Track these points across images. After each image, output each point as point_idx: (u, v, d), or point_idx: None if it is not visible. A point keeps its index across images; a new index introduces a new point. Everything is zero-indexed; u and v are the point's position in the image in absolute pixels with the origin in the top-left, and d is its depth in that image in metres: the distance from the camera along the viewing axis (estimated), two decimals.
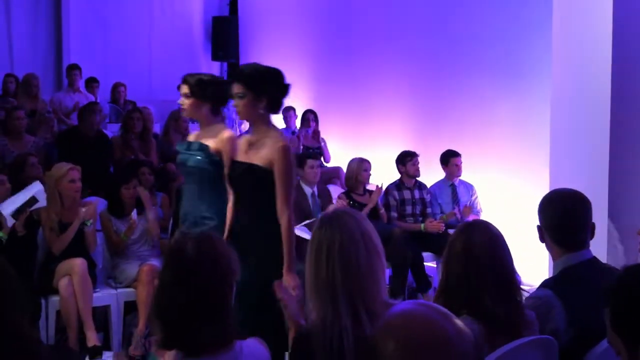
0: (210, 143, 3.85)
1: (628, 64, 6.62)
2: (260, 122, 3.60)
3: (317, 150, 7.96)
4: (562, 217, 2.61)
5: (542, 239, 2.67)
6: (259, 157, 3.50)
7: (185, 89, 4.01)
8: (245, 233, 3.53)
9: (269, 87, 3.58)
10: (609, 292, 1.43)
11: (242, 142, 3.67)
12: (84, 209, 5.04)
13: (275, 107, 3.63)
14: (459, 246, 2.40)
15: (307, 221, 5.52)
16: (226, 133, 3.86)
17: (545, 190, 4.70)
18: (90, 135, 6.69)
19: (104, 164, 6.72)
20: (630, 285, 1.39)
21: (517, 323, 2.33)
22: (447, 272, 2.43)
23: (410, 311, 1.30)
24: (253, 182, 3.53)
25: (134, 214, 5.22)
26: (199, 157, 3.84)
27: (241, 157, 3.59)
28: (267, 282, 2.78)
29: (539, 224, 2.67)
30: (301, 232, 5.42)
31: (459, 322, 1.31)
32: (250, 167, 3.52)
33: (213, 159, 3.81)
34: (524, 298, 2.48)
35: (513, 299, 2.36)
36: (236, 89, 3.55)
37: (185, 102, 4.01)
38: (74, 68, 8.96)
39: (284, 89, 3.65)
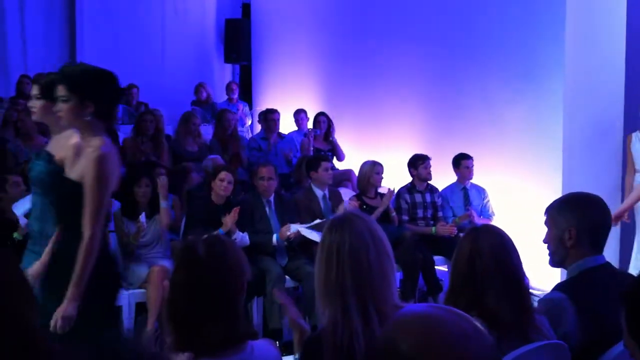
0: (58, 151, 3.27)
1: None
2: (87, 131, 3.11)
3: (329, 153, 7.96)
4: (602, 219, 2.61)
5: (569, 239, 2.57)
6: (75, 170, 3.10)
7: (35, 89, 3.52)
8: (60, 259, 3.08)
9: (96, 92, 3.15)
10: (626, 295, 1.42)
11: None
12: None
13: (105, 114, 3.16)
14: (467, 247, 2.41)
15: (313, 222, 5.52)
16: (72, 140, 3.21)
17: (557, 194, 4.68)
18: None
19: None
20: None
21: (525, 326, 2.32)
22: (454, 272, 2.44)
23: (425, 312, 1.28)
24: (66, 199, 3.12)
25: (142, 217, 5.23)
26: (40, 167, 3.29)
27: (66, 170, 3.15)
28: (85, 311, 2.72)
29: (565, 225, 2.59)
30: (309, 233, 5.42)
31: (476, 322, 1.29)
32: (63, 181, 3.11)
33: (54, 169, 3.21)
34: (534, 302, 2.46)
35: (520, 302, 2.35)
36: (59, 91, 3.11)
37: (36, 104, 3.47)
38: None
39: (114, 94, 3.28)
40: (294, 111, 8.66)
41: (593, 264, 2.57)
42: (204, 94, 9.96)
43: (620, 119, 6.16)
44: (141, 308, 5.17)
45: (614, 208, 5.63)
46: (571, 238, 2.57)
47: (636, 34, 6.31)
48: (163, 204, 5.41)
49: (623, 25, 6.08)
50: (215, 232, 5.19)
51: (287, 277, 5.59)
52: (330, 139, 8.14)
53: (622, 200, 5.79)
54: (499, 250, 2.38)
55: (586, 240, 2.58)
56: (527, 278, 2.44)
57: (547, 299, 2.51)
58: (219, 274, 2.06)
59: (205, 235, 2.18)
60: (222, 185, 5.54)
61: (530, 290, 2.45)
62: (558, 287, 2.57)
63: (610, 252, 4.98)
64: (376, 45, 8.23)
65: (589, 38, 6.04)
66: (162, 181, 5.45)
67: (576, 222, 2.58)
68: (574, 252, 2.59)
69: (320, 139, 8.14)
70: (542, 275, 5.03)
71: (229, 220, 5.34)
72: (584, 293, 2.46)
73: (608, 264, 2.62)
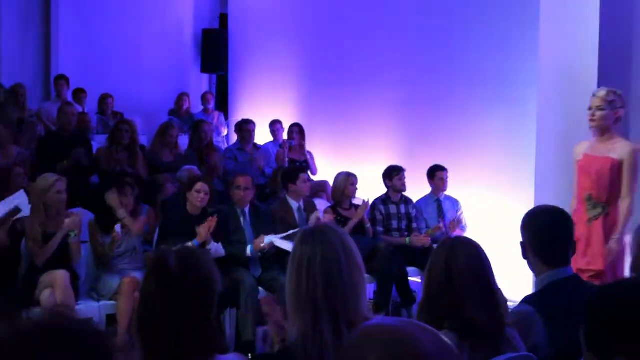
0: None
1: (614, 80, 6.67)
2: None
3: (304, 164, 7.96)
4: (546, 233, 2.63)
5: (525, 255, 2.69)
6: None
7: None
8: None
9: None
10: (584, 309, 1.43)
11: None
12: (67, 220, 5.01)
13: None
14: (443, 255, 2.40)
15: (287, 233, 5.51)
16: None
17: (530, 206, 4.72)
18: (67, 136, 6.69)
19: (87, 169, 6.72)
20: (604, 305, 1.39)
21: (497, 337, 2.33)
22: (429, 280, 2.43)
23: (395, 325, 1.28)
24: None
25: (117, 227, 5.19)
26: None
27: None
28: None
29: (522, 240, 2.69)
30: (282, 244, 5.41)
31: (442, 337, 1.29)
32: None
33: None
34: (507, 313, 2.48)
35: (494, 312, 2.36)
36: None
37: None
38: (60, 78, 8.95)
39: None
40: (269, 122, 8.66)
41: (559, 276, 2.60)
42: (186, 104, 9.93)
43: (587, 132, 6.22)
44: (112, 320, 5.12)
45: None
46: (531, 252, 2.63)
47: (609, 46, 6.40)
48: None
49: (596, 37, 6.16)
50: (190, 243, 5.16)
51: (260, 288, 5.57)
52: (303, 147, 8.14)
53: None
54: (475, 260, 2.38)
55: (544, 254, 2.62)
56: (499, 290, 2.45)
57: (515, 311, 2.53)
58: (189, 286, 2.04)
59: (177, 246, 2.16)
60: (199, 196, 5.51)
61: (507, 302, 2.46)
62: (526, 300, 2.60)
63: None
64: (352, 56, 8.26)
65: (562, 50, 6.11)
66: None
67: (531, 237, 2.66)
68: (539, 265, 2.64)
69: (296, 149, 8.14)
70: (515, 287, 5.05)
71: (204, 229, 5.30)
72: (551, 305, 2.48)
73: (576, 276, 2.65)
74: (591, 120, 4.60)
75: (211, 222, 5.32)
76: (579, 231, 4.45)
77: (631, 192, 4.61)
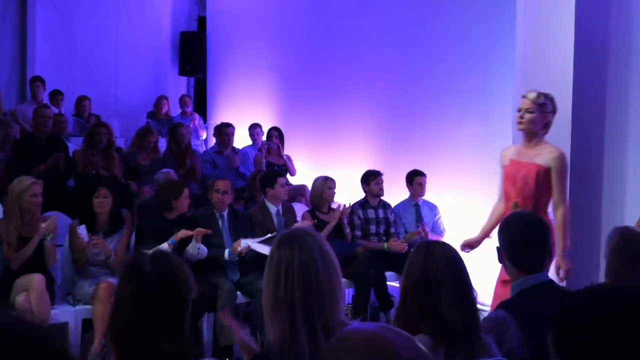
0: None
1: (589, 86, 6.75)
2: None
3: (282, 167, 7.96)
4: (520, 239, 2.65)
5: (500, 260, 2.70)
6: None
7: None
8: None
9: None
10: (555, 315, 1.43)
11: None
12: (43, 224, 4.96)
13: None
14: (420, 257, 2.40)
15: (264, 237, 5.50)
16: None
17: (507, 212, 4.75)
18: (42, 138, 6.65)
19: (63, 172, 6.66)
20: (577, 310, 1.39)
21: (472, 340, 2.33)
22: (406, 284, 2.42)
23: (372, 331, 1.29)
24: None
25: (82, 232, 5.10)
26: None
27: None
28: None
29: (498, 245, 2.71)
30: (260, 248, 5.40)
31: (417, 343, 1.30)
32: None
33: None
34: (481, 317, 2.49)
35: (471, 316, 2.36)
36: None
37: None
38: (36, 80, 8.86)
39: None
40: (248, 125, 8.65)
41: (533, 282, 2.61)
42: (165, 107, 9.88)
43: (567, 138, 6.28)
44: (88, 325, 5.07)
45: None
46: (506, 258, 2.65)
47: (584, 56, 6.47)
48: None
49: (571, 46, 6.22)
50: (165, 243, 5.14)
51: (238, 292, 5.55)
52: (280, 152, 8.14)
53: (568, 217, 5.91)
54: (452, 263, 2.38)
55: (518, 260, 2.64)
56: (475, 292, 2.46)
57: (490, 317, 2.55)
58: (163, 290, 2.03)
59: (151, 250, 2.15)
60: (187, 202, 5.50)
61: (478, 306, 2.47)
62: (501, 306, 2.61)
63: None
64: (330, 61, 8.28)
65: (539, 59, 6.16)
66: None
67: (505, 242, 2.68)
68: (513, 271, 2.66)
69: (275, 153, 8.14)
70: (492, 292, 5.08)
71: (183, 233, 5.27)
72: (525, 311, 2.49)
73: (550, 281, 2.67)
74: (519, 123, 4.37)
75: (196, 233, 5.32)
76: None
77: (563, 200, 4.34)
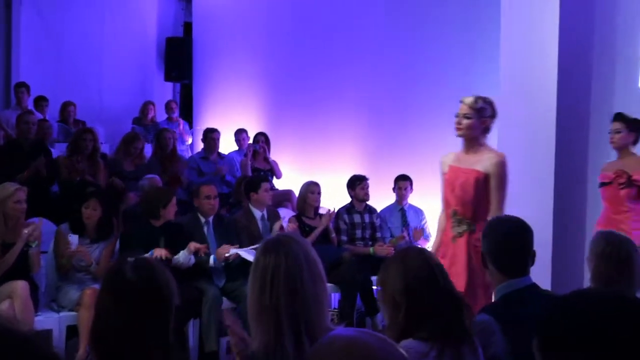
0: None
1: (572, 91, 6.80)
2: None
3: (269, 172, 7.95)
4: (503, 243, 2.66)
5: (485, 265, 2.71)
6: None
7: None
8: None
9: None
10: (541, 319, 1.43)
11: None
12: (26, 230, 4.93)
13: None
14: (397, 270, 2.36)
15: (252, 246, 5.48)
16: None
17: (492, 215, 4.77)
18: (26, 144, 6.62)
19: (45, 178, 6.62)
20: (563, 315, 1.39)
21: (460, 343, 2.31)
22: (387, 296, 2.36)
23: (353, 336, 1.29)
24: None
25: (73, 240, 5.08)
26: None
27: None
28: None
29: (482, 249, 2.71)
30: (248, 256, 5.38)
31: (399, 350, 1.30)
32: None
33: None
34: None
35: (457, 318, 2.33)
36: None
37: None
38: (21, 86, 8.82)
39: None
40: (234, 130, 8.64)
41: (516, 286, 2.62)
42: (152, 113, 9.85)
43: (552, 144, 6.32)
44: (73, 332, 5.04)
45: (546, 229, 5.78)
46: (490, 261, 2.66)
47: (568, 60, 6.52)
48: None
49: (555, 51, 6.26)
50: (148, 254, 5.10)
51: (224, 298, 5.53)
52: (266, 156, 8.14)
53: (553, 223, 5.95)
54: (431, 268, 2.35)
55: (499, 264, 2.64)
56: (461, 295, 2.44)
57: (474, 321, 2.54)
58: (146, 298, 2.02)
59: (134, 258, 2.14)
60: (174, 209, 5.48)
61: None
62: (485, 310, 2.62)
63: None
64: (317, 66, 8.29)
65: (523, 64, 6.20)
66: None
67: (487, 247, 2.69)
68: (496, 275, 2.66)
69: (261, 158, 8.13)
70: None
71: (163, 250, 5.23)
72: (508, 315, 2.50)
73: (534, 285, 2.68)
74: (457, 129, 4.22)
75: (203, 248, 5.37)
76: (443, 249, 4.24)
77: (501, 209, 4.11)
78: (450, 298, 2.34)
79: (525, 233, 2.72)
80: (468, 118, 4.18)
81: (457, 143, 6.63)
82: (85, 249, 5.12)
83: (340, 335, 1.31)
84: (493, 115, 4.26)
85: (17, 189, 4.99)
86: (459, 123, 4.22)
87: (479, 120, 4.18)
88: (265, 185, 6.17)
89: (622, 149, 5.17)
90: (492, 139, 6.12)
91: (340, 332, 1.34)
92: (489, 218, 3.95)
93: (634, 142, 5.21)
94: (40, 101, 9.16)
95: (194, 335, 5.41)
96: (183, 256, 5.32)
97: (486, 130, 4.25)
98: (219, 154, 8.08)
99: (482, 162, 4.18)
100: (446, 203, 4.37)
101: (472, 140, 4.23)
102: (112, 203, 5.84)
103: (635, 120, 5.21)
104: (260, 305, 2.17)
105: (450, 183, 4.30)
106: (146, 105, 9.83)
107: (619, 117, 5.28)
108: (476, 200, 4.15)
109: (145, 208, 5.61)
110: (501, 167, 4.15)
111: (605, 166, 5.36)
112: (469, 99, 4.21)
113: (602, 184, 5.26)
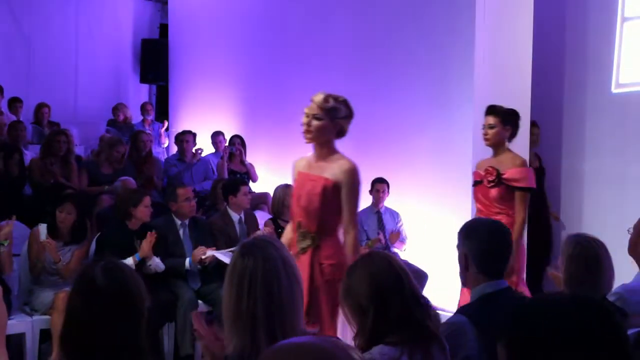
0: None
1: (546, 98, 6.87)
2: None
3: (245, 175, 7.93)
4: (487, 244, 2.66)
5: (464, 265, 2.70)
6: None
7: None
8: None
9: None
10: (508, 322, 1.44)
11: None
12: None
13: None
14: (363, 273, 2.33)
15: (229, 249, 5.46)
16: None
17: (467, 218, 4.80)
18: None
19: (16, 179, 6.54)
20: (531, 318, 1.40)
21: (430, 343, 2.32)
22: (354, 302, 2.33)
23: (305, 340, 1.27)
24: None
25: (42, 228, 5.01)
26: None
27: None
28: None
29: (461, 250, 2.70)
30: (224, 257, 5.37)
31: (355, 356, 1.29)
32: None
33: None
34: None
35: (423, 320, 2.32)
36: None
37: None
38: None
39: None
40: (210, 132, 8.61)
41: (492, 289, 2.63)
42: (121, 116, 9.78)
43: (526, 146, 6.38)
44: (46, 335, 4.99)
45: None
46: (471, 263, 2.66)
47: (542, 62, 6.59)
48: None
49: (529, 53, 6.33)
50: (130, 258, 5.07)
51: (200, 301, 5.51)
52: (242, 159, 8.12)
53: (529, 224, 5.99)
54: (396, 272, 2.34)
55: (478, 266, 2.65)
56: (426, 299, 2.40)
57: (449, 322, 2.55)
58: (116, 300, 2.00)
59: (102, 261, 2.12)
60: (148, 210, 5.43)
61: (437, 311, 2.45)
62: (460, 311, 2.63)
63: None
64: (292, 68, 8.28)
65: (498, 66, 6.25)
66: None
67: (467, 248, 2.68)
68: (472, 276, 2.67)
69: (237, 161, 8.11)
70: (450, 298, 5.13)
71: (147, 245, 5.21)
72: (484, 317, 2.50)
73: (509, 288, 2.70)
74: (306, 132, 3.74)
75: (152, 237, 5.23)
76: None
77: (353, 221, 3.67)
78: (416, 301, 2.33)
79: (507, 235, 2.75)
80: (318, 119, 3.69)
81: (429, 147, 6.70)
82: (53, 242, 5.05)
83: (295, 342, 1.28)
84: (348, 115, 3.75)
85: None
86: (307, 125, 3.71)
87: (331, 122, 3.70)
88: (244, 188, 6.16)
89: (497, 146, 4.80)
90: (467, 145, 6.18)
91: (295, 340, 1.32)
92: (342, 231, 3.67)
93: (511, 137, 4.85)
94: (15, 102, 9.07)
95: (169, 339, 5.38)
96: (153, 262, 5.28)
97: (341, 133, 3.78)
98: (194, 155, 8.05)
99: (332, 169, 3.70)
100: (292, 214, 3.93)
101: (323, 144, 3.76)
102: (86, 207, 5.78)
103: (510, 112, 4.82)
104: (236, 310, 2.15)
105: (296, 192, 3.84)
106: (117, 107, 9.77)
107: (492, 110, 4.82)
108: (322, 212, 3.67)
109: (118, 210, 5.57)
110: (353, 175, 3.68)
111: (478, 163, 5.00)
112: (319, 97, 3.72)
113: (476, 183, 4.92)
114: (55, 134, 7.01)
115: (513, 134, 4.86)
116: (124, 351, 1.97)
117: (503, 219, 4.45)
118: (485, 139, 4.84)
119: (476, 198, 4.94)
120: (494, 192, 4.74)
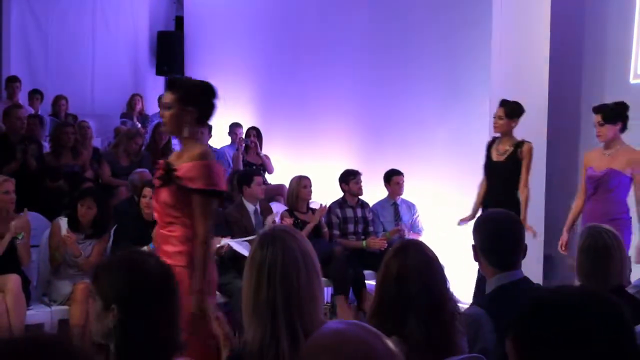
0: None
1: (564, 88, 6.82)
2: None
3: (260, 167, 7.94)
4: (495, 237, 2.66)
5: (476, 259, 2.72)
6: None
7: None
8: None
9: None
10: (520, 313, 1.43)
11: None
12: (14, 222, 4.90)
13: None
14: (393, 269, 2.38)
15: (249, 237, 5.48)
16: None
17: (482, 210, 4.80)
18: (16, 138, 6.62)
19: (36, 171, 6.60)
20: (531, 318, 1.39)
21: (440, 346, 2.32)
22: (380, 296, 2.40)
23: (343, 330, 1.30)
24: None
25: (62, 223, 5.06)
26: None
27: None
28: None
29: (473, 243, 2.72)
30: (240, 247, 5.38)
31: (389, 342, 1.31)
32: None
33: None
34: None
35: (441, 322, 2.34)
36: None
37: None
38: (13, 80, 8.77)
39: None
40: (226, 124, 8.62)
41: (507, 280, 2.63)
42: (139, 105, 9.82)
43: (543, 135, 6.35)
44: (65, 325, 5.03)
45: (537, 223, 5.80)
46: (481, 255, 2.67)
47: (559, 52, 6.54)
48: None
49: (547, 43, 6.29)
50: (145, 247, 5.10)
51: (216, 292, 5.52)
52: (258, 151, 8.12)
53: (545, 216, 5.96)
54: (426, 271, 2.35)
55: (490, 258, 2.65)
56: (454, 296, 2.42)
57: (465, 314, 2.54)
58: (169, 290, 2.08)
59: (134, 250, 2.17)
60: (144, 201, 5.41)
61: (459, 306, 2.46)
62: (476, 303, 2.63)
63: None
64: (309, 60, 8.28)
65: (514, 58, 6.22)
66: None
67: (478, 241, 2.69)
68: (487, 269, 2.67)
69: (253, 153, 8.12)
70: (469, 289, 5.12)
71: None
72: (500, 308, 2.49)
73: (525, 279, 2.69)
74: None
75: None
76: None
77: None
78: (438, 306, 2.34)
79: (516, 227, 2.74)
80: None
81: (446, 138, 6.68)
82: (73, 236, 5.09)
83: (330, 329, 1.32)
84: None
85: (5, 180, 4.99)
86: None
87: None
88: (258, 179, 6.18)
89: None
90: (484, 137, 6.16)
91: (330, 325, 1.35)
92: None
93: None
94: (34, 95, 9.15)
95: None
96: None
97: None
98: (210, 147, 8.05)
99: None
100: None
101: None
102: (106, 201, 5.82)
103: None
104: (256, 300, 2.15)
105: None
106: (132, 98, 9.80)
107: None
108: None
109: (134, 201, 5.61)
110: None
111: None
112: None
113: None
114: (62, 126, 7.09)
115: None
116: (169, 341, 2.05)
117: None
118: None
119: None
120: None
